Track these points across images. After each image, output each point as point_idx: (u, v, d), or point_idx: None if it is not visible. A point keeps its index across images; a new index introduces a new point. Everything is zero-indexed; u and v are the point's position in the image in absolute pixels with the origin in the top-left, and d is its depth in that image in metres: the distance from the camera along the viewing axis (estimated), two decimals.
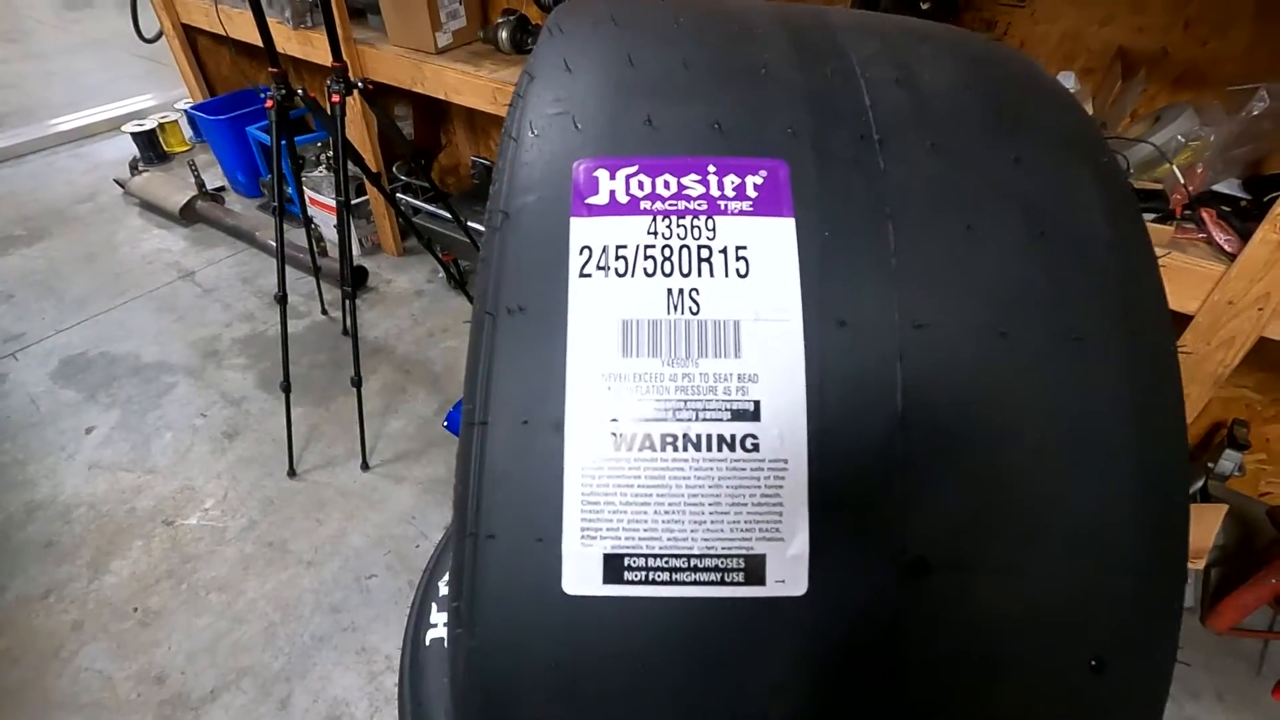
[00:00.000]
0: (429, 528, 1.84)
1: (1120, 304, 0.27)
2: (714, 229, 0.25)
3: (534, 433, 0.25)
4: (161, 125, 3.58)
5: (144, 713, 1.46)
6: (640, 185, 0.25)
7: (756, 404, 0.24)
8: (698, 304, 0.25)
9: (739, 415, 0.24)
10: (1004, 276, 0.25)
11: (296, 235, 2.58)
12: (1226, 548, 1.78)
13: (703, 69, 0.29)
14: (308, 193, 2.58)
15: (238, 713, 1.46)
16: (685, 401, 0.24)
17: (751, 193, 0.25)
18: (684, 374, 0.24)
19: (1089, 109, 1.50)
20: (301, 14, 2.45)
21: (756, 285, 0.25)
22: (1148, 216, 1.32)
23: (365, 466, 1.99)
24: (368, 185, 2.72)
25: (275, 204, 1.81)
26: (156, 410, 2.17)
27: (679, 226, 0.25)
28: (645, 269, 0.25)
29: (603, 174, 0.26)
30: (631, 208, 0.25)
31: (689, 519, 0.24)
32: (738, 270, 0.25)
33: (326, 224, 2.75)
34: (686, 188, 0.25)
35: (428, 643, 0.68)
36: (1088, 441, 0.25)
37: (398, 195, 2.64)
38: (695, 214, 0.25)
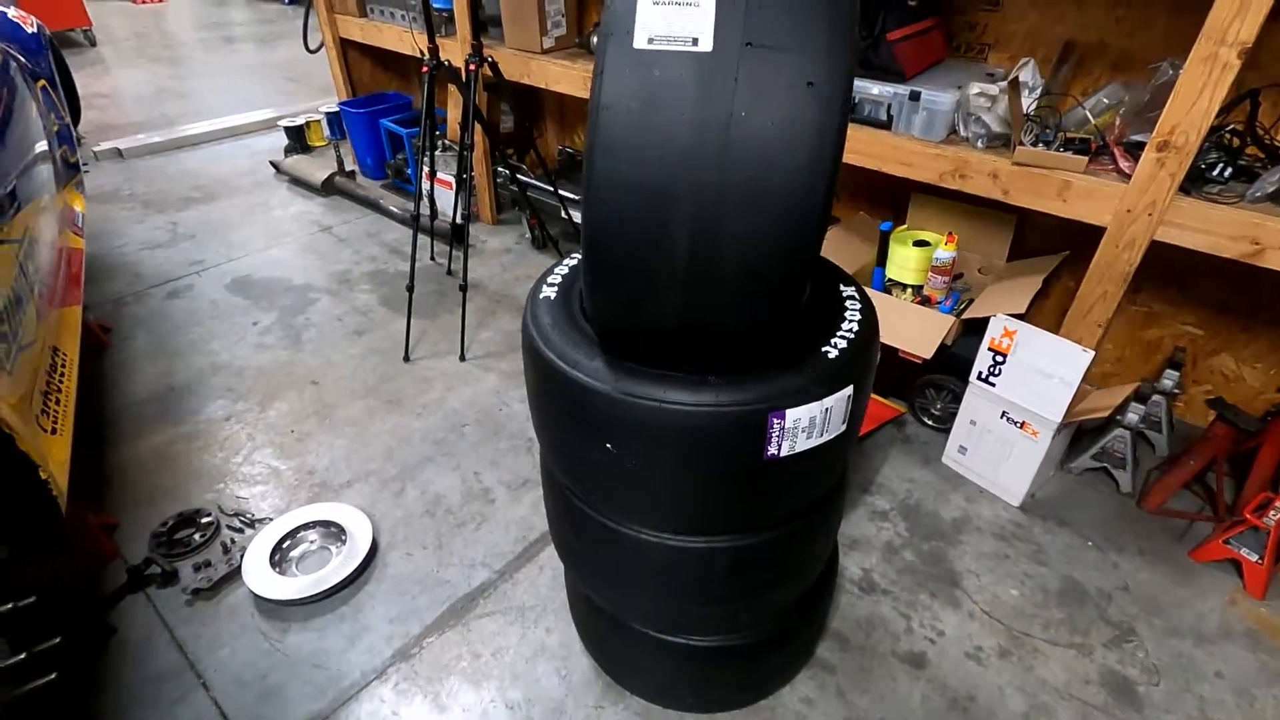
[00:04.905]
0: (510, 400, 2.33)
1: (827, 9, 0.75)
2: None
3: (628, 1, 0.75)
4: (307, 123, 4.35)
5: (302, 490, 1.98)
6: None
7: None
8: None
9: (692, 22, 0.74)
10: (792, 26, 0.75)
11: (412, 204, 3.23)
12: (1171, 455, 2.10)
13: None
14: (426, 168, 3.21)
15: (367, 495, 1.96)
16: (677, 5, 0.74)
17: None
18: (677, 3, 0.74)
19: (1042, 88, 1.94)
20: (438, 25, 3.12)
21: None
22: (1074, 153, 1.74)
23: (462, 358, 2.52)
24: (475, 161, 3.34)
25: (427, 147, 2.40)
26: (304, 314, 2.78)
27: None
28: None
29: None
30: None
31: (677, 28, 0.73)
32: None
33: (440, 196, 3.37)
34: None
35: (539, 298, 1.16)
36: (800, 69, 0.73)
37: (500, 171, 3.26)
38: None
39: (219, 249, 3.25)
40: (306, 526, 1.83)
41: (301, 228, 3.48)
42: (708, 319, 0.87)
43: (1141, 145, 1.73)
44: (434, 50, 2.33)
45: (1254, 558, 1.70)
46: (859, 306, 1.12)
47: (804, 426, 0.98)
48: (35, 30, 2.57)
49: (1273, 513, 1.66)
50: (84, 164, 2.85)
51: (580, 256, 1.25)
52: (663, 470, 1.04)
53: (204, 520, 1.86)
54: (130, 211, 3.59)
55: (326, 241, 3.35)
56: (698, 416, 0.94)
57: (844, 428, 1.05)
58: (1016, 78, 1.77)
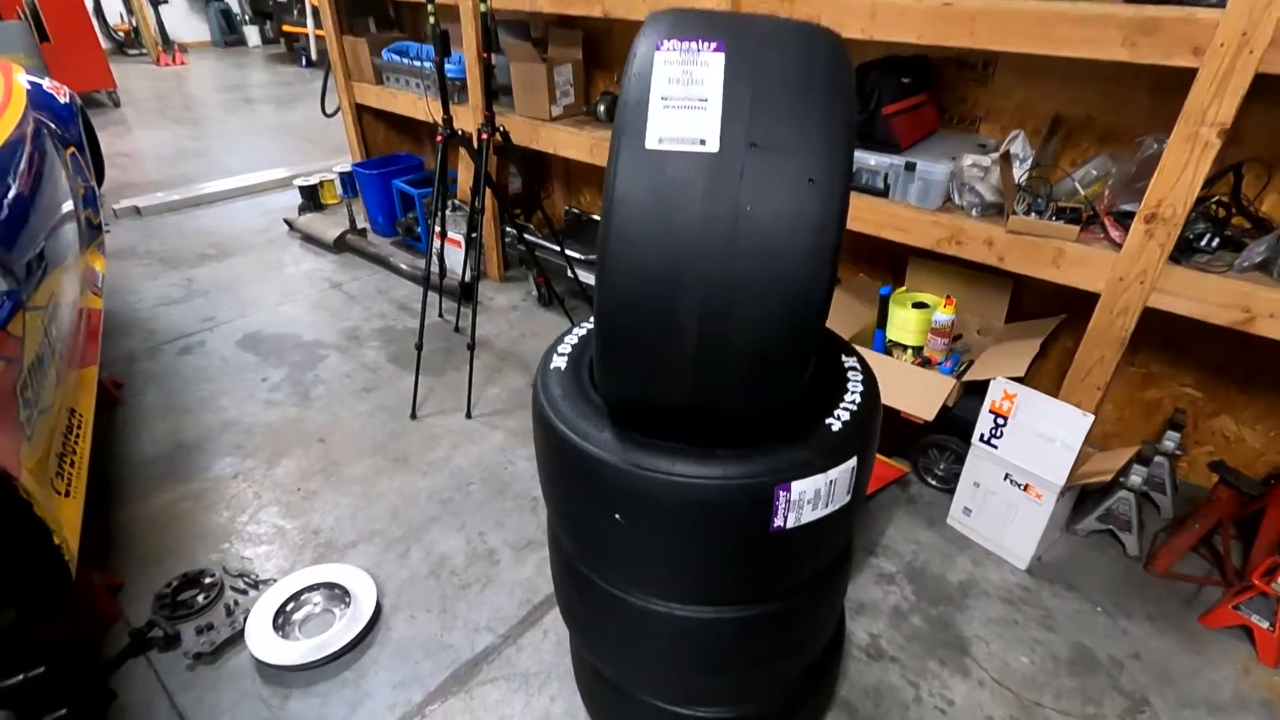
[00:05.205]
0: (516, 458, 2.35)
1: (825, 112, 0.81)
2: (701, 57, 0.81)
3: (640, 105, 0.80)
4: (321, 182, 4.49)
5: (307, 550, 1.98)
6: (678, 44, 0.82)
7: (705, 100, 0.78)
8: (692, 77, 0.80)
9: (701, 100, 0.78)
10: (785, 103, 0.80)
11: (421, 262, 3.33)
12: (1177, 518, 2.10)
13: (704, 21, 0.86)
14: (437, 228, 3.30)
15: (371, 556, 1.96)
16: (686, 95, 0.79)
17: (711, 49, 0.82)
18: (686, 94, 0.79)
19: (1032, 159, 2.02)
20: (451, 94, 3.26)
21: (710, 71, 0.80)
22: (1066, 222, 1.80)
23: (469, 416, 2.55)
24: (484, 222, 3.43)
25: (438, 216, 2.49)
26: (313, 371, 2.82)
27: (688, 57, 0.81)
28: (678, 65, 0.81)
29: (665, 42, 0.82)
30: (674, 50, 0.81)
31: (686, 130, 0.78)
32: (706, 66, 0.81)
33: (448, 254, 3.45)
34: (693, 45, 0.82)
35: (550, 368, 1.20)
36: (801, 167, 0.78)
37: (508, 231, 3.35)
38: (695, 52, 0.81)
39: (231, 305, 3.32)
40: (310, 589, 1.82)
41: (313, 284, 3.55)
42: (716, 398, 0.90)
43: (1130, 215, 1.79)
44: (448, 120, 2.43)
45: (1265, 625, 1.68)
46: (861, 378, 1.16)
47: (809, 498, 1.00)
48: (68, 100, 2.69)
49: None
50: (105, 225, 2.93)
51: (591, 329, 1.30)
52: (670, 541, 1.05)
53: (208, 581, 1.86)
54: (147, 268, 3.68)
55: (337, 298, 3.42)
56: (704, 489, 0.96)
57: (848, 499, 1.07)
58: (1008, 151, 1.84)
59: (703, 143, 0.77)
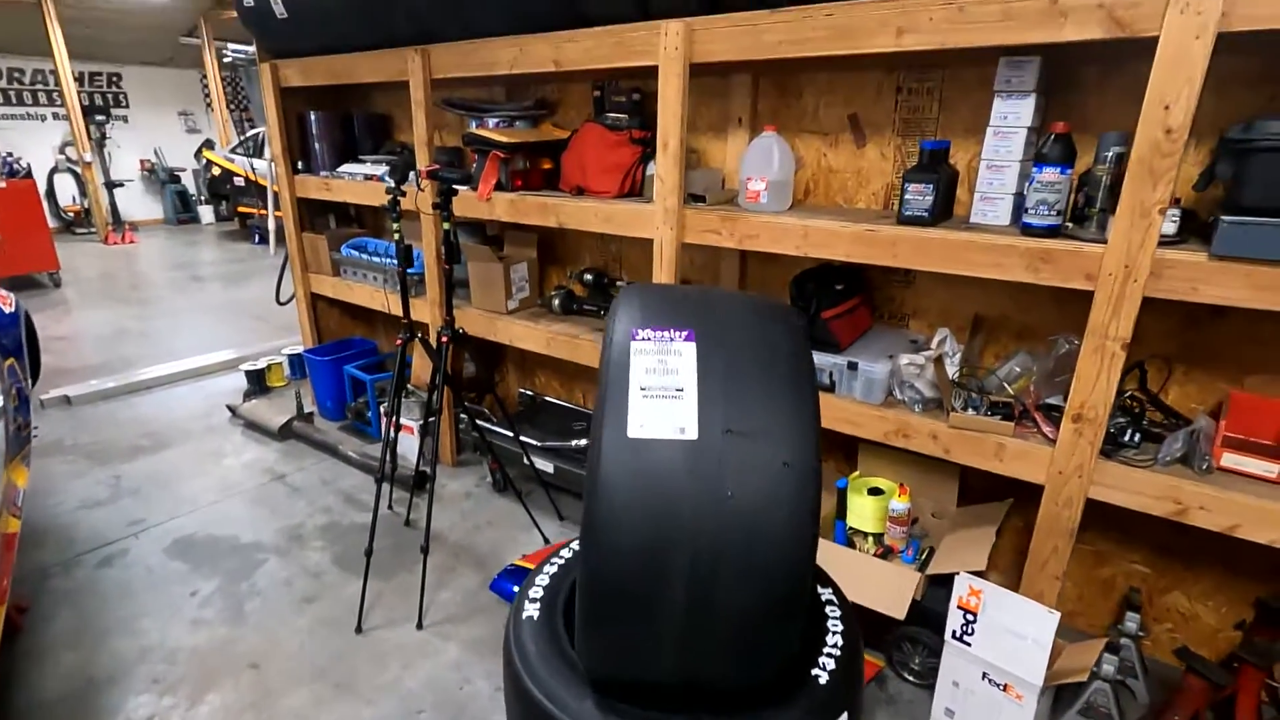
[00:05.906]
0: (472, 676, 2.18)
1: (792, 395, 0.88)
2: (674, 347, 0.88)
3: (620, 393, 0.84)
4: (269, 366, 4.45)
5: None
6: (651, 334, 0.89)
7: (682, 389, 0.84)
8: (667, 367, 0.86)
9: (678, 390, 0.84)
10: (755, 389, 0.87)
11: (371, 449, 3.28)
12: (1154, 705, 2.07)
13: (673, 306, 0.94)
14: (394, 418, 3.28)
15: None
16: (664, 386, 0.84)
17: (683, 338, 0.89)
18: (663, 384, 0.85)
19: (960, 354, 2.19)
20: (409, 288, 3.38)
21: (684, 360, 0.87)
22: (999, 417, 1.92)
23: (420, 626, 2.38)
24: (444, 407, 3.43)
25: (394, 416, 2.48)
26: (249, 580, 2.63)
27: (662, 347, 0.88)
28: (653, 354, 0.87)
29: (640, 331, 0.89)
30: (649, 340, 0.88)
31: (665, 419, 0.82)
32: (679, 355, 0.87)
33: (401, 441, 3.40)
34: (666, 334, 0.89)
35: (522, 618, 1.16)
36: (776, 451, 0.84)
37: (462, 416, 3.34)
38: (668, 341, 0.88)
39: (163, 504, 3.13)
40: None
41: (253, 477, 3.40)
42: (704, 673, 0.88)
43: (1056, 408, 1.94)
44: (408, 323, 2.49)
45: None
46: (839, 614, 1.15)
47: None
48: (13, 309, 2.66)
49: None
50: (35, 428, 2.80)
51: (561, 564, 1.27)
52: None
53: None
54: (71, 465, 3.47)
55: (279, 492, 3.27)
56: None
57: None
58: (940, 355, 2.00)
59: (682, 430, 0.82)
